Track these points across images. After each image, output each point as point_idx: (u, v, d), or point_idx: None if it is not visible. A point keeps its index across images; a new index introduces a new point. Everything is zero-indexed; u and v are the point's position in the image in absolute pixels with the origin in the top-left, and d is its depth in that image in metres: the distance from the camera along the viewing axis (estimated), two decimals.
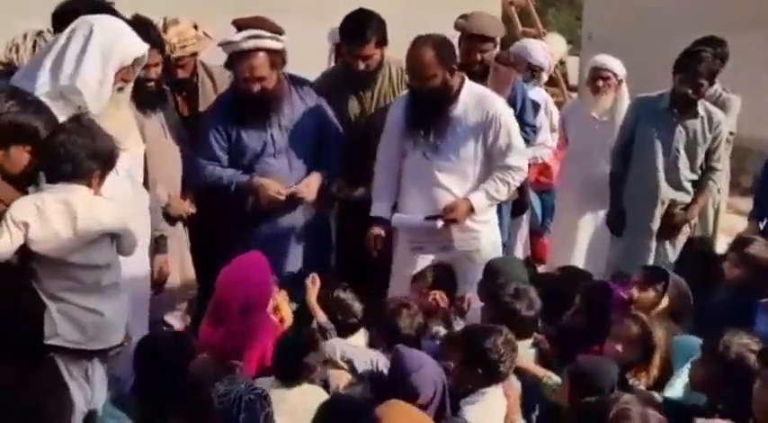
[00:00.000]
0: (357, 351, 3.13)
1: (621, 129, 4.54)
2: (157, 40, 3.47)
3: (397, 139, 3.76)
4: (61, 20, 3.24)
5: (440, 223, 3.65)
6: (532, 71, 5.25)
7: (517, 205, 4.51)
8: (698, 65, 4.14)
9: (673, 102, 4.30)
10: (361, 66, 3.89)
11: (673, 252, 4.38)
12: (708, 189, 4.43)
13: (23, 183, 2.63)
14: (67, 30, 2.94)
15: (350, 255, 4.06)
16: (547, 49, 5.53)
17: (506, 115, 3.76)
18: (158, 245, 3.49)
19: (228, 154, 3.73)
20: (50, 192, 2.60)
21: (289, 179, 3.74)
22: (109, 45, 2.89)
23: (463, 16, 4.38)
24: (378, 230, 3.76)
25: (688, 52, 4.23)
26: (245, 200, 3.73)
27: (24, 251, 2.54)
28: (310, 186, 3.74)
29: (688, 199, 4.37)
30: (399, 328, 3.20)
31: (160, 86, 3.57)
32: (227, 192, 3.70)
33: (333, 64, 4.74)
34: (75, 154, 2.59)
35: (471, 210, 3.68)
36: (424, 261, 3.73)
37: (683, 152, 4.30)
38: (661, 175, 4.32)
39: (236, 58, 3.60)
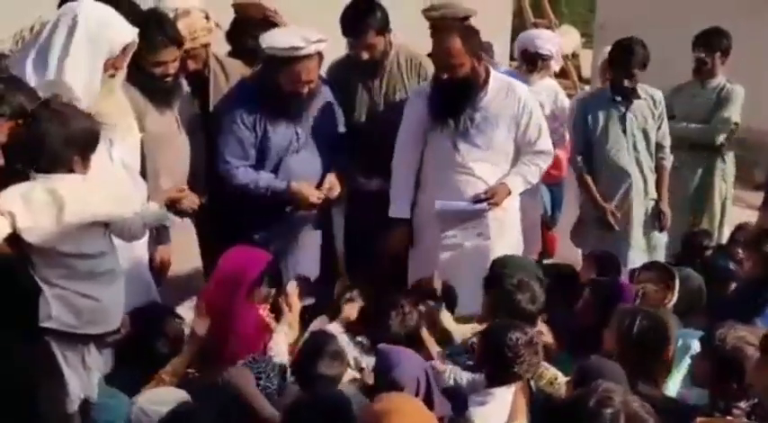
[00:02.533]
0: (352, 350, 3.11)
1: (574, 130, 4.58)
2: (176, 37, 3.41)
3: (419, 133, 3.77)
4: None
5: (486, 205, 3.66)
6: (541, 60, 5.15)
7: None
8: (631, 57, 4.32)
9: (614, 91, 4.42)
10: (365, 55, 3.85)
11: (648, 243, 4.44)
12: (666, 169, 4.52)
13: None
14: (51, 20, 2.87)
15: (359, 247, 4.05)
16: (555, 38, 5.44)
17: (533, 102, 3.83)
18: (159, 235, 3.46)
19: (256, 144, 3.67)
20: (38, 181, 2.56)
21: (309, 175, 3.73)
22: (96, 35, 2.84)
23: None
24: (405, 230, 3.78)
25: (620, 46, 4.40)
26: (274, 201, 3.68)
27: (16, 239, 2.51)
28: (335, 187, 3.74)
29: (653, 181, 4.46)
30: (389, 327, 3.14)
31: (176, 81, 3.51)
32: (261, 195, 3.65)
33: None
34: (49, 144, 2.53)
35: (509, 193, 3.71)
36: (443, 256, 3.73)
37: (640, 135, 4.41)
38: (630, 165, 4.39)
39: (290, 61, 3.51)
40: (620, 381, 2.64)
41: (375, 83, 3.94)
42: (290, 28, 3.63)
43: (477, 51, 3.65)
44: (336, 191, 3.75)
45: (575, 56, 9.80)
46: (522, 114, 3.72)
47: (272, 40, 3.53)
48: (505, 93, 3.73)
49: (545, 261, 4.69)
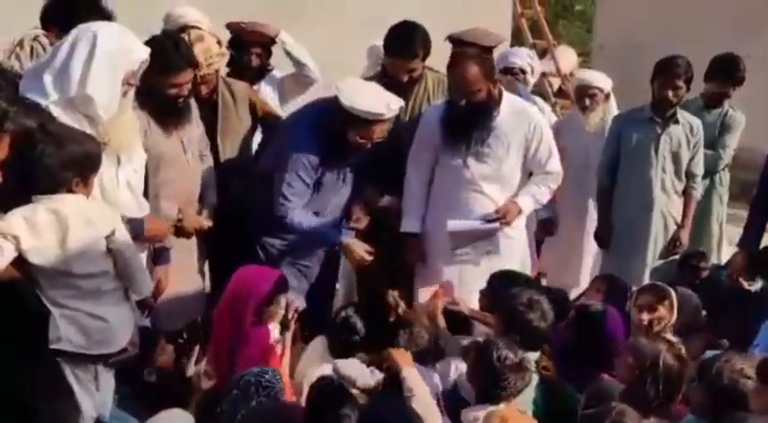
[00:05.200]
0: (355, 368, 3.10)
1: (606, 144, 4.59)
2: (192, 59, 3.44)
3: (431, 151, 3.82)
4: (51, 17, 3.22)
5: (498, 224, 3.71)
6: (510, 75, 5.16)
7: None
8: (676, 69, 4.30)
9: (654, 110, 4.41)
10: (405, 78, 3.92)
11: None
12: (694, 199, 4.52)
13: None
14: (68, 39, 2.90)
15: (372, 263, 4.00)
16: (532, 55, 5.46)
17: (543, 123, 3.89)
18: (159, 256, 3.46)
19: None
20: (40, 202, 2.57)
21: (341, 205, 3.83)
22: (116, 51, 2.88)
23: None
24: (417, 246, 3.83)
25: (664, 59, 4.38)
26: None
27: (22, 261, 2.52)
28: (363, 219, 3.86)
29: (679, 205, 4.46)
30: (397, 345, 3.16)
31: (187, 102, 3.53)
32: (310, 236, 3.71)
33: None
34: (47, 166, 2.55)
35: (519, 212, 3.76)
36: (451, 272, 3.78)
37: (669, 159, 4.41)
38: (655, 184, 4.40)
39: (368, 123, 3.51)
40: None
41: (402, 104, 3.94)
42: (371, 88, 3.60)
43: (493, 76, 3.73)
44: (364, 223, 3.85)
45: (572, 75, 9.85)
46: (532, 136, 3.78)
47: (356, 101, 3.48)
48: (518, 114, 3.79)
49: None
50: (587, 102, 4.79)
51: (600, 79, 4.85)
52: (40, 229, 2.52)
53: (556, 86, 9.55)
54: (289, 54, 4.26)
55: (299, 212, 3.65)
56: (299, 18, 5.47)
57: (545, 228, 4.59)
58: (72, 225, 2.56)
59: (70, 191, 2.60)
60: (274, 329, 3.27)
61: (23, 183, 2.57)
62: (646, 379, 2.76)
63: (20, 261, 2.51)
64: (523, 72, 5.19)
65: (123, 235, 2.72)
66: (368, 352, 3.34)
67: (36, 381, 2.57)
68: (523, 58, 5.23)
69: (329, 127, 3.56)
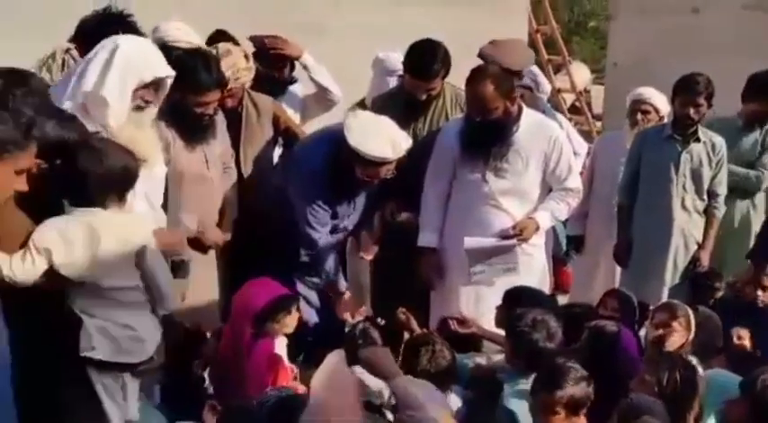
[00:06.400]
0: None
1: (627, 162, 4.57)
2: (221, 79, 3.49)
3: (449, 165, 3.83)
4: (85, 34, 3.28)
5: (515, 241, 3.70)
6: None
7: None
8: (696, 86, 4.29)
9: (674, 128, 4.39)
10: (424, 96, 3.93)
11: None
12: (717, 219, 4.47)
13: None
14: (93, 50, 2.98)
15: (388, 279, 4.09)
16: (535, 72, 5.44)
17: (564, 139, 3.88)
18: (177, 269, 3.48)
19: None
20: (73, 215, 2.61)
21: (348, 230, 3.85)
22: (131, 59, 2.93)
23: (492, 43, 4.36)
24: (435, 261, 3.82)
25: (684, 77, 4.37)
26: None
27: (53, 273, 2.55)
28: (371, 250, 3.92)
29: (700, 225, 4.42)
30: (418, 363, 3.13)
31: (212, 120, 3.57)
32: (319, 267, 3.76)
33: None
34: (87, 181, 2.58)
35: (537, 229, 3.76)
36: (468, 287, 3.77)
37: (689, 178, 4.38)
38: (675, 203, 4.38)
39: (375, 164, 3.51)
40: (665, 419, 2.66)
41: (420, 119, 4.00)
42: (381, 127, 3.56)
43: (511, 93, 3.71)
44: (373, 254, 3.90)
45: (586, 91, 9.88)
46: (552, 151, 3.77)
47: (362, 143, 3.47)
48: (537, 129, 3.79)
49: (559, 299, 4.66)
50: (639, 117, 4.76)
51: (658, 98, 4.80)
52: (73, 243, 2.55)
53: (569, 102, 9.58)
54: (311, 78, 4.29)
55: (324, 242, 3.69)
56: (314, 30, 5.49)
57: (574, 245, 4.60)
58: (104, 240, 2.59)
59: (105, 206, 2.64)
60: (278, 345, 3.25)
61: (58, 194, 2.61)
62: (664, 396, 2.74)
63: (50, 272, 2.54)
64: (526, 88, 5.18)
65: (153, 251, 2.75)
66: None
67: (63, 390, 2.59)
68: (526, 74, 5.23)
69: (339, 158, 3.57)
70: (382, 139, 3.49)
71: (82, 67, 2.94)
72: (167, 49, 3.41)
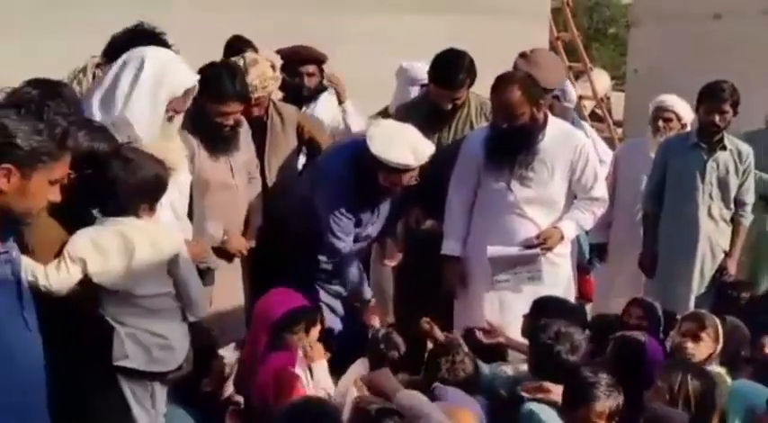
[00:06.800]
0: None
1: (652, 170, 4.56)
2: (243, 92, 3.52)
3: (473, 173, 3.82)
4: (116, 50, 3.30)
5: (538, 250, 3.69)
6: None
7: None
8: (721, 93, 4.26)
9: (700, 136, 4.36)
10: (450, 105, 3.93)
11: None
12: (744, 227, 4.45)
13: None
14: (119, 61, 2.99)
15: (412, 287, 4.09)
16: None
17: (590, 148, 3.86)
18: (203, 276, 3.50)
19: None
20: (106, 224, 2.64)
21: (372, 237, 3.86)
22: (160, 76, 2.94)
23: (524, 57, 4.31)
24: (459, 269, 3.82)
25: (709, 85, 4.34)
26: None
27: (88, 282, 2.58)
28: (396, 257, 3.89)
29: (727, 233, 4.40)
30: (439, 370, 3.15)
31: (235, 130, 3.59)
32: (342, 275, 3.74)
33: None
34: (119, 191, 2.61)
35: (561, 238, 3.74)
36: (492, 296, 3.76)
37: (715, 186, 4.36)
38: (701, 211, 4.35)
39: (396, 171, 3.51)
40: None
41: (445, 128, 4.01)
42: (403, 136, 3.54)
43: (537, 99, 3.70)
44: (397, 261, 3.88)
45: (607, 98, 9.84)
46: (578, 160, 3.76)
47: (384, 151, 3.47)
48: (563, 138, 3.78)
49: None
50: (660, 124, 4.74)
51: (681, 106, 4.79)
52: (107, 252, 2.58)
53: (589, 109, 9.53)
54: (344, 120, 4.34)
55: (348, 250, 3.69)
56: (338, 39, 5.52)
57: (597, 253, 4.57)
58: (138, 248, 2.62)
59: (137, 215, 2.66)
60: (297, 357, 3.19)
61: (88, 203, 2.63)
62: (677, 403, 2.72)
63: (83, 280, 2.57)
64: (555, 98, 5.18)
65: (185, 259, 2.78)
66: (407, 372, 3.34)
67: (93, 396, 2.62)
68: (572, 90, 5.21)
69: (362, 166, 3.57)
70: (404, 147, 3.50)
71: (110, 84, 2.93)
72: None
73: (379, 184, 3.59)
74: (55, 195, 2.19)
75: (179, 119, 3.11)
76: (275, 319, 3.12)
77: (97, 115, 2.88)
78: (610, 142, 7.48)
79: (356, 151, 3.60)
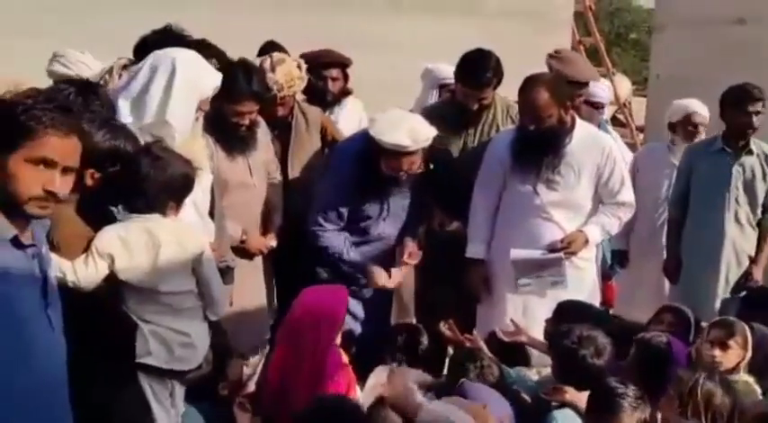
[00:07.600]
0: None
1: (677, 176, 4.52)
2: (259, 91, 3.50)
3: (499, 176, 3.80)
4: (145, 52, 3.31)
5: (562, 255, 3.66)
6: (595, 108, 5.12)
7: None
8: (755, 92, 4.23)
9: (725, 140, 4.32)
10: (476, 106, 3.92)
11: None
12: None
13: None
14: (146, 65, 2.97)
15: (434, 289, 4.07)
16: (607, 86, 5.43)
17: (617, 153, 3.84)
18: (223, 275, 3.50)
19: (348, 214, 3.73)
20: (133, 221, 2.64)
21: (389, 237, 3.81)
22: (193, 79, 2.95)
23: (556, 56, 4.31)
24: (483, 272, 3.79)
25: (734, 88, 4.29)
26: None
27: (112, 278, 2.58)
28: (416, 255, 3.82)
29: (753, 239, 4.35)
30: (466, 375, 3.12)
31: (251, 130, 3.58)
32: (337, 261, 3.72)
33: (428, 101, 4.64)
34: (148, 189, 2.61)
35: (586, 242, 3.71)
36: (515, 299, 3.75)
37: (741, 191, 4.31)
38: (727, 217, 4.31)
39: (394, 154, 3.51)
40: None
41: (470, 130, 4.00)
42: (405, 120, 3.56)
43: (565, 101, 3.68)
44: (417, 259, 3.82)
45: (629, 103, 9.78)
46: (605, 164, 3.74)
47: (381, 133, 3.50)
48: (590, 142, 3.76)
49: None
50: (691, 129, 4.71)
51: (703, 109, 4.77)
52: (134, 249, 2.58)
53: (609, 114, 9.46)
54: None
55: (330, 235, 3.67)
56: (360, 44, 5.52)
57: (618, 259, 4.53)
58: (164, 246, 2.62)
59: (164, 213, 2.67)
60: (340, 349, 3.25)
61: (111, 201, 2.64)
62: (687, 411, 2.66)
63: (108, 277, 2.57)
64: (603, 106, 5.16)
65: (208, 257, 2.78)
66: (429, 371, 3.32)
67: (113, 392, 2.60)
68: (605, 91, 5.19)
69: (367, 156, 3.57)
70: (403, 129, 3.49)
71: (142, 86, 2.91)
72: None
73: (383, 173, 3.56)
74: (51, 183, 1.95)
75: (202, 118, 3.12)
76: (342, 319, 3.14)
77: (127, 118, 2.88)
78: (632, 147, 7.44)
79: (363, 142, 3.61)
